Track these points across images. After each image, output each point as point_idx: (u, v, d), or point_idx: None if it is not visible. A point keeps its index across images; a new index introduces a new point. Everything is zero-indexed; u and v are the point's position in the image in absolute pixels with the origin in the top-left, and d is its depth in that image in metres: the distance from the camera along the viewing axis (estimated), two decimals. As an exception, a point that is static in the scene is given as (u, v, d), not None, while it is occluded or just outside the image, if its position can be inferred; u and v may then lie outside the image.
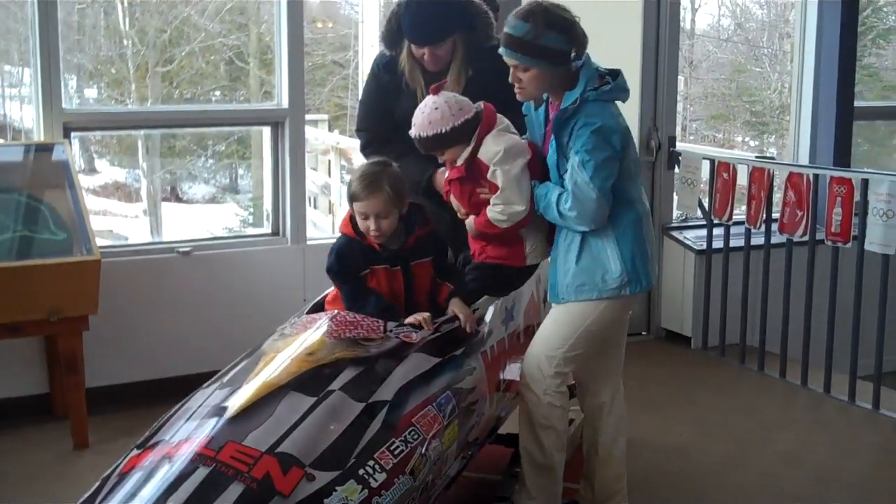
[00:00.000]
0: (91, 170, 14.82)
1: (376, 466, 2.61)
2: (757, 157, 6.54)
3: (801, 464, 4.48)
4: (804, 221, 5.40)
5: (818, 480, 4.32)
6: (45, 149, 4.77)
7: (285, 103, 5.27)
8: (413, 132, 3.40)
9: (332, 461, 2.54)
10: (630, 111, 6.15)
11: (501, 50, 3.35)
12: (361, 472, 2.57)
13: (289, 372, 2.80)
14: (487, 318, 3.49)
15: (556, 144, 3.38)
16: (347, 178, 8.26)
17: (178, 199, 14.19)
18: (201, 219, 12.43)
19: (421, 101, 3.46)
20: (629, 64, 6.19)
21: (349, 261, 3.35)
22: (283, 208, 5.35)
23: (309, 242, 5.40)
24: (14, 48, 7.75)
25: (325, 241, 5.58)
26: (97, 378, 4.70)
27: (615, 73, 3.41)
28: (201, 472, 2.38)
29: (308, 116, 7.05)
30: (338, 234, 3.49)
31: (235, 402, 2.66)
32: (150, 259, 5.06)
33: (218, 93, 15.60)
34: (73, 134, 4.94)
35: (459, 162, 3.38)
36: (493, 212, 3.36)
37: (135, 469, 2.49)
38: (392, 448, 2.69)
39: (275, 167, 5.35)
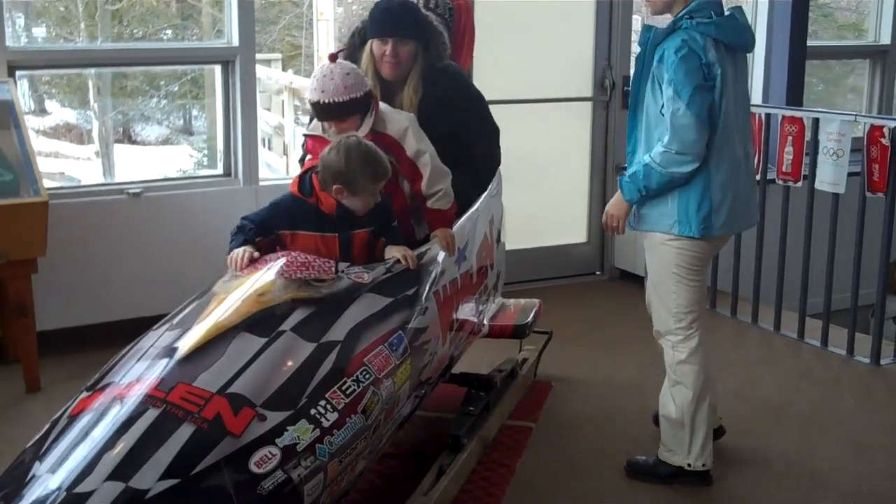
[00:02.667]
0: (41, 111, 14.52)
1: (328, 406, 2.61)
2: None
3: (749, 399, 4.56)
4: (756, 160, 5.43)
5: (767, 414, 4.40)
6: (-11, 87, 4.66)
7: (235, 41, 5.19)
8: (320, 97, 3.40)
9: (284, 401, 2.53)
10: (583, 49, 6.20)
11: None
12: (313, 411, 2.56)
13: (240, 313, 2.78)
14: (439, 258, 3.48)
15: (639, 69, 3.53)
16: (303, 118, 8.17)
17: (132, 141, 13.98)
18: (155, 160, 12.27)
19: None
20: (583, 4, 6.18)
21: (277, 216, 3.29)
22: (234, 149, 5.30)
23: (262, 183, 5.35)
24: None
25: (279, 182, 5.58)
26: (48, 321, 4.67)
27: (728, 14, 3.49)
28: (151, 414, 2.36)
29: (260, 56, 6.97)
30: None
31: (185, 343, 2.63)
32: (100, 201, 5.01)
33: (169, 32, 15.33)
34: (18, 73, 4.83)
35: (365, 130, 3.42)
36: (443, 202, 3.56)
37: (84, 411, 2.47)
38: (344, 388, 2.68)
39: (226, 107, 5.28)
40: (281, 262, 3.06)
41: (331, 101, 3.40)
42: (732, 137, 3.50)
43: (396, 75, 3.83)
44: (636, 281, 6.26)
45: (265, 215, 3.31)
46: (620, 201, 3.64)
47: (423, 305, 3.22)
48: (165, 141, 14.00)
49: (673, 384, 3.69)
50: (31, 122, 14.63)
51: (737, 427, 4.13)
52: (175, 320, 2.84)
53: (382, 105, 3.60)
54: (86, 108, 13.48)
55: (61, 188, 5.10)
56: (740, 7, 3.63)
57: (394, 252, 3.29)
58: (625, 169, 3.68)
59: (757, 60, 6.78)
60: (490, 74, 5.85)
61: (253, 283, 2.96)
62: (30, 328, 4.41)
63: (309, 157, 3.73)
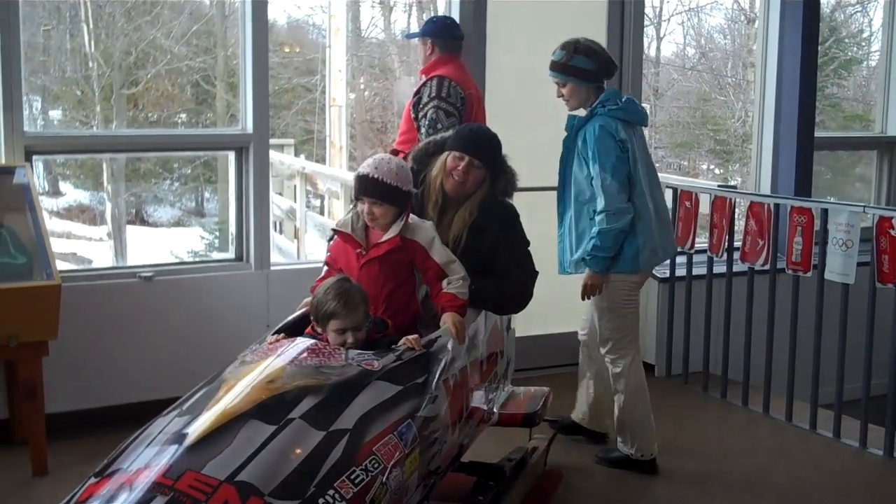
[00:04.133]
0: (55, 192, 14.73)
1: (336, 496, 2.59)
2: (719, 186, 6.59)
3: (761, 490, 4.50)
4: (765, 250, 5.46)
5: (778, 508, 4.35)
6: (6, 172, 4.73)
7: (250, 128, 5.26)
8: (371, 172, 3.54)
9: (292, 490, 2.52)
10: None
11: (549, 73, 4.56)
12: (321, 501, 2.55)
13: (249, 400, 2.79)
14: (449, 346, 3.48)
15: (565, 151, 4.57)
16: (314, 202, 8.28)
17: (144, 223, 14.11)
18: (166, 242, 12.36)
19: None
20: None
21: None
22: (246, 234, 5.34)
23: (273, 268, 5.38)
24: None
25: (290, 268, 5.61)
26: (57, 404, 4.65)
27: (627, 99, 4.54)
28: (159, 501, 2.36)
29: (274, 141, 7.07)
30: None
31: (195, 430, 2.63)
32: (111, 284, 5.03)
33: (184, 115, 15.60)
34: (34, 157, 4.91)
35: (394, 232, 3.56)
36: (459, 288, 3.64)
37: (91, 498, 2.47)
38: (352, 477, 2.67)
39: (239, 192, 5.33)
40: (292, 347, 3.08)
41: (379, 178, 3.52)
42: (644, 190, 4.45)
43: (458, 193, 3.95)
44: (647, 370, 6.21)
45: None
46: (593, 275, 4.48)
47: (432, 394, 3.21)
48: (177, 223, 14.14)
49: (615, 392, 4.62)
50: (45, 203, 14.77)
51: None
52: (185, 406, 2.85)
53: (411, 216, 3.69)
54: (99, 189, 13.64)
55: (74, 271, 5.14)
56: (630, 96, 4.83)
57: (402, 340, 3.31)
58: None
59: (765, 151, 6.83)
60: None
61: (262, 369, 2.97)
62: (39, 411, 4.40)
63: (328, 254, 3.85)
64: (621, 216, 4.35)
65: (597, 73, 4.50)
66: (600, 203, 4.36)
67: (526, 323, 6.07)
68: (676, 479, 4.60)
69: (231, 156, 5.37)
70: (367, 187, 3.55)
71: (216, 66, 14.78)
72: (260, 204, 5.31)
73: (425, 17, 7.25)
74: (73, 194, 14.87)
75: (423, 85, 5.11)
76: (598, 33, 6.22)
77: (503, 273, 3.94)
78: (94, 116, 12.73)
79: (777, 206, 5.46)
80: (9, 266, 4.37)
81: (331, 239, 3.87)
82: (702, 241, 5.95)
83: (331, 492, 2.59)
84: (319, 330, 3.35)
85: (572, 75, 4.49)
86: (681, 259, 6.03)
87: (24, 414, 4.47)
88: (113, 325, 4.94)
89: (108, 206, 12.44)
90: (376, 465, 2.77)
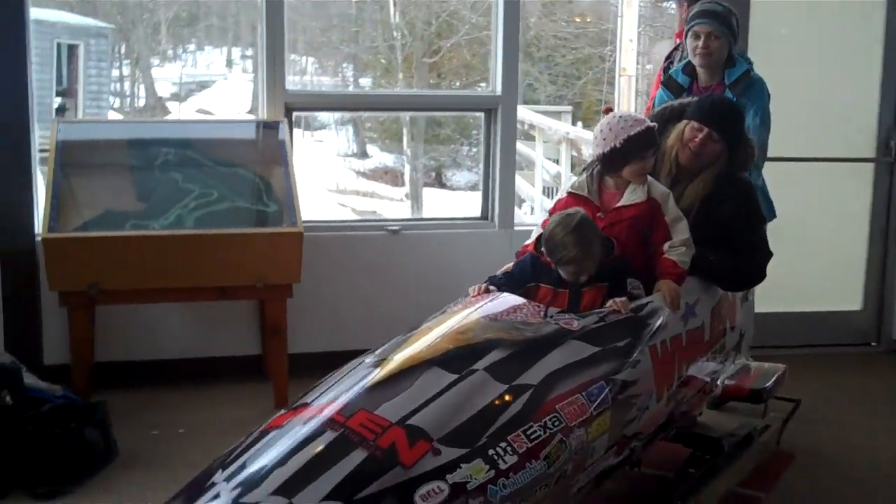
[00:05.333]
0: (362, 154, 15.54)
1: (508, 448, 2.58)
2: None
3: None
4: None
5: None
6: (269, 127, 5.03)
7: (499, 90, 5.30)
8: (608, 145, 3.49)
9: (463, 438, 2.53)
10: (868, 108, 5.83)
11: (702, 20, 4.30)
12: (491, 451, 2.54)
13: (436, 348, 2.83)
14: (661, 312, 3.37)
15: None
16: (577, 170, 8.22)
17: (442, 185, 14.58)
18: (460, 204, 12.73)
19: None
20: (870, 56, 5.83)
21: (521, 272, 3.43)
22: (492, 193, 5.40)
23: (516, 228, 5.41)
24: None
25: (533, 228, 5.61)
26: (302, 344, 4.92)
27: None
28: (329, 436, 2.44)
29: (552, 108, 7.05)
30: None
31: (378, 373, 2.71)
32: (360, 235, 5.24)
33: (483, 84, 15.90)
34: (294, 113, 5.18)
35: (640, 195, 3.51)
36: (681, 255, 3.51)
37: (273, 428, 2.60)
38: (528, 431, 2.65)
39: (486, 153, 5.40)
40: (491, 301, 3.10)
41: (611, 147, 3.47)
42: None
43: (693, 164, 3.83)
44: (916, 356, 5.81)
45: (512, 270, 3.49)
46: None
47: (634, 358, 3.13)
48: (474, 186, 14.51)
49: None
50: (354, 164, 15.61)
51: None
52: (378, 350, 2.93)
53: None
54: (400, 153, 14.27)
55: (322, 221, 5.34)
56: None
57: (609, 302, 3.25)
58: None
59: None
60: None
61: (458, 320, 3.01)
62: (282, 349, 4.67)
63: None
64: None
65: (737, 37, 4.42)
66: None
67: (784, 298, 5.85)
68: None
69: (482, 117, 5.44)
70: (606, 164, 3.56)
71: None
72: (505, 163, 5.35)
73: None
74: (378, 157, 15.62)
75: (675, 48, 4.95)
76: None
77: (738, 250, 3.78)
78: (397, 84, 13.29)
79: None
80: (262, 213, 4.66)
81: (557, 201, 3.83)
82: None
83: (503, 444, 2.58)
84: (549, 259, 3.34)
85: (729, 31, 4.33)
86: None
87: (269, 351, 4.75)
88: (359, 274, 5.16)
89: (407, 168, 12.97)
90: (557, 423, 2.73)
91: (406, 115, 11.36)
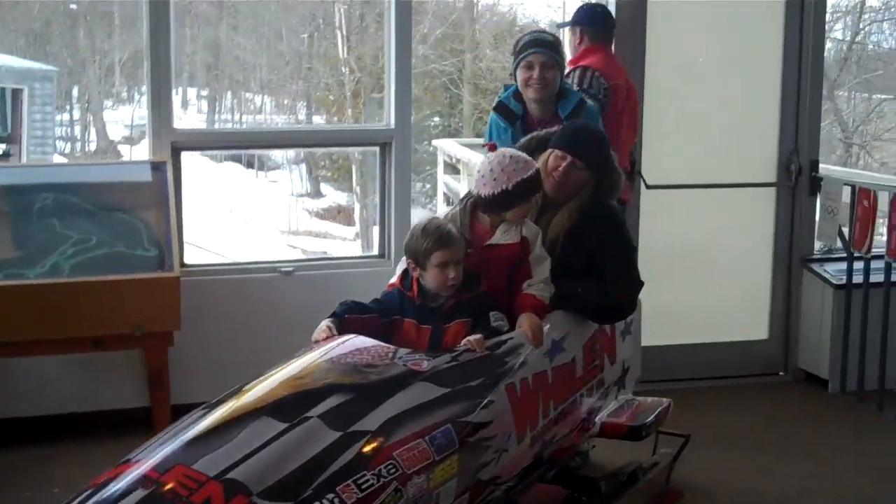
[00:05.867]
0: (316, 194, 15.45)
1: (336, 500, 2.49)
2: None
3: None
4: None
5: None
6: (156, 168, 4.93)
7: (392, 124, 5.26)
8: (498, 187, 3.42)
9: (286, 492, 2.44)
10: (768, 132, 5.84)
11: (536, 49, 4.19)
12: (316, 504, 2.46)
13: (269, 395, 2.74)
14: (522, 349, 3.30)
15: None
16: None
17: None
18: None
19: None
20: (768, 79, 5.84)
21: (384, 306, 3.37)
22: (388, 229, 5.32)
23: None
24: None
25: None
26: (186, 394, 4.76)
27: None
28: (138, 494, 2.35)
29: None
30: None
31: (202, 424, 2.61)
32: (252, 278, 5.14)
33: (437, 119, 15.92)
34: (183, 153, 5.09)
35: (514, 235, 3.48)
36: (540, 290, 3.47)
37: (100, 483, 2.49)
38: (360, 481, 2.56)
39: (381, 188, 5.34)
40: (337, 344, 3.01)
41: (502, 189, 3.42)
42: None
43: (558, 194, 3.75)
44: (822, 385, 5.77)
45: (366, 303, 3.39)
46: None
47: (487, 399, 3.05)
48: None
49: None
50: (308, 205, 15.65)
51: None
52: (213, 400, 2.83)
53: None
54: (350, 190, 14.19)
55: (214, 265, 5.26)
56: None
57: (464, 340, 3.18)
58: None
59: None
60: (665, 157, 5.66)
61: (299, 365, 2.92)
62: (165, 399, 4.56)
63: None
64: None
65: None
66: None
67: (686, 329, 5.81)
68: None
69: (375, 151, 5.38)
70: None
71: (464, 68, 15.00)
72: (402, 199, 5.28)
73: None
74: (332, 195, 15.55)
75: (567, 76, 4.92)
76: (773, 18, 5.83)
77: (607, 281, 3.71)
78: (346, 120, 13.26)
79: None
80: (141, 258, 4.55)
81: None
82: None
83: (330, 495, 2.49)
84: (418, 275, 3.31)
85: (561, 60, 4.33)
86: (858, 265, 5.53)
87: (153, 401, 4.63)
88: (249, 319, 5.02)
89: (357, 206, 12.90)
90: (393, 471, 2.64)
91: (356, 152, 11.29)
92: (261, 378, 2.91)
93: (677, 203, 5.74)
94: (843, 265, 5.64)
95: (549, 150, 3.78)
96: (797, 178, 5.86)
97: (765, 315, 6.03)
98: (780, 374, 6.03)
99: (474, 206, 3.55)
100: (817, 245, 6.00)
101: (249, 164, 15.37)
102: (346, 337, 3.12)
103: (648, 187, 5.56)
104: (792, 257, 5.95)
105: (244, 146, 5.69)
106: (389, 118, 5.28)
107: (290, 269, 5.17)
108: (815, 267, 5.86)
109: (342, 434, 2.65)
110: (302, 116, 14.26)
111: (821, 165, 5.95)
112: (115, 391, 4.93)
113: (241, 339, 5.01)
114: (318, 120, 14.41)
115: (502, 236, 3.49)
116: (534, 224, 3.60)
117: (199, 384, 4.84)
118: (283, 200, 14.48)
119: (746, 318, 6.06)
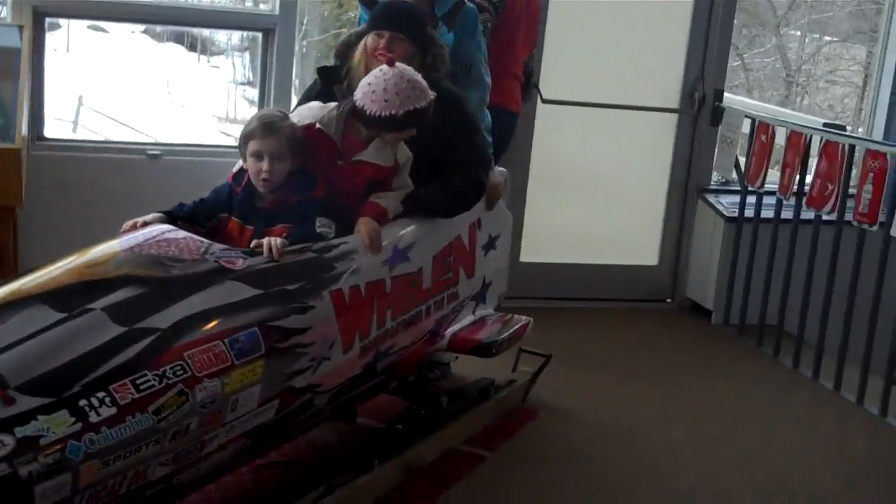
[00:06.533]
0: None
1: (107, 399, 2.29)
2: (825, 124, 5.77)
3: (753, 466, 3.94)
4: (834, 197, 4.78)
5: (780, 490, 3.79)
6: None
7: (277, 10, 4.97)
8: (386, 110, 3.18)
9: (48, 387, 2.23)
10: (675, 56, 5.64)
11: None
12: (83, 402, 2.25)
13: (52, 282, 2.51)
14: (354, 255, 3.09)
15: None
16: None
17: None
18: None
19: None
20: (680, 5, 5.62)
21: (216, 201, 3.16)
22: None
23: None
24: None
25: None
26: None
27: None
28: None
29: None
30: None
31: (-33, 308, 2.38)
32: (117, 158, 4.87)
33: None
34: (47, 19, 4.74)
35: (388, 158, 3.30)
36: (385, 199, 3.30)
37: None
38: (138, 381, 2.35)
39: (262, 77, 5.07)
40: (143, 233, 2.79)
41: (392, 112, 3.20)
42: None
43: None
44: (706, 316, 5.69)
45: (207, 197, 3.19)
46: None
47: (304, 304, 2.85)
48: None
49: None
50: (249, 93, 15.04)
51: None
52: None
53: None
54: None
55: (79, 141, 4.98)
56: None
57: (254, 242, 2.94)
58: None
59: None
60: (565, 72, 5.45)
61: (95, 252, 2.69)
62: (9, 275, 4.27)
63: None
64: None
65: None
66: None
67: (575, 249, 5.68)
68: (674, 437, 4.12)
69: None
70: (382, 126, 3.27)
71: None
72: (282, 90, 4.99)
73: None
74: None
75: None
76: None
77: (450, 168, 3.52)
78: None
79: (852, 147, 4.75)
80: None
81: None
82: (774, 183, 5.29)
83: (101, 393, 2.28)
84: (245, 166, 3.10)
85: None
86: (751, 199, 5.40)
87: (-5, 278, 4.36)
88: (108, 200, 4.67)
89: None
90: (180, 373, 2.44)
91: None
92: (50, 263, 2.67)
93: (574, 121, 5.54)
94: (737, 198, 5.51)
95: (367, 35, 3.56)
96: (700, 107, 5.69)
97: (656, 242, 5.91)
98: (668, 301, 5.94)
99: (352, 113, 3.30)
100: (714, 176, 5.86)
101: (192, 48, 14.84)
102: (157, 227, 2.88)
103: (544, 101, 5.35)
104: (688, 186, 5.81)
105: (113, 17, 5.28)
106: (275, 2, 4.97)
107: (158, 152, 4.89)
108: (710, 198, 5.73)
109: (127, 330, 2.43)
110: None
111: (727, 99, 5.78)
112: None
113: (97, 221, 4.67)
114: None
115: (375, 154, 3.27)
116: (406, 148, 3.38)
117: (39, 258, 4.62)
118: (223, 87, 14.03)
119: (637, 244, 5.94)
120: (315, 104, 3.39)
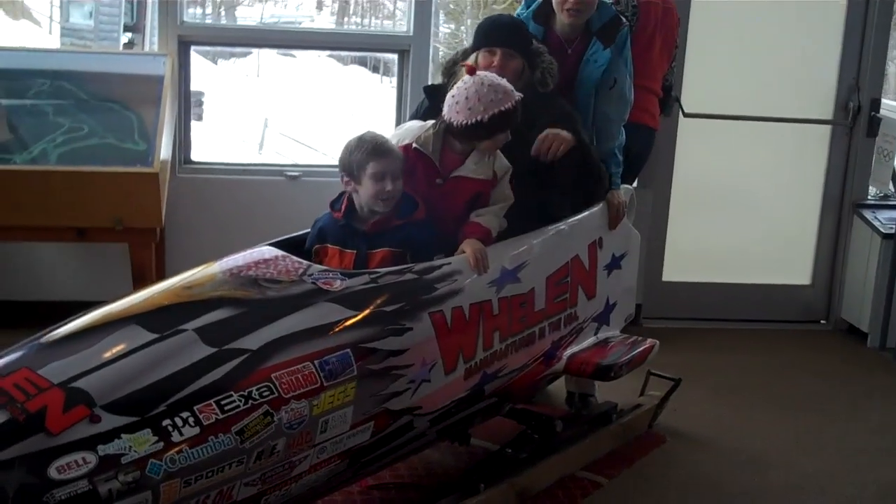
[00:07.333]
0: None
1: (190, 419, 2.33)
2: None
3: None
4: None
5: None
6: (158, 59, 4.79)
7: (411, 30, 5.02)
8: (472, 117, 3.15)
9: (134, 406, 2.29)
10: (827, 64, 5.39)
11: None
12: (166, 422, 2.30)
13: (147, 303, 2.58)
14: (457, 275, 3.06)
15: None
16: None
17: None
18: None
19: None
20: (832, 6, 5.37)
21: (318, 232, 3.20)
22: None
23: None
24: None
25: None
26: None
27: None
28: (-31, 394, 2.23)
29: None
30: None
31: (66, 328, 2.47)
32: (256, 180, 5.02)
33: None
34: (192, 47, 4.94)
35: (486, 172, 3.26)
36: (486, 219, 3.25)
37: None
38: (223, 402, 2.39)
39: (399, 97, 5.11)
40: (243, 256, 2.84)
41: (477, 120, 3.16)
42: None
43: None
44: (862, 338, 5.39)
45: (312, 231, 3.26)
46: None
47: (400, 325, 2.84)
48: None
49: None
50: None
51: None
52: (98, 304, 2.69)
53: None
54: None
55: (219, 164, 5.12)
56: None
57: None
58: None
59: None
60: (708, 84, 5.31)
61: (193, 273, 2.75)
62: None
63: None
64: None
65: None
66: None
67: (723, 269, 5.48)
68: (810, 468, 3.90)
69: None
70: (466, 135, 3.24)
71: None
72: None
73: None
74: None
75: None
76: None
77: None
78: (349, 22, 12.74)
79: None
80: (130, 151, 4.42)
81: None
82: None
83: (185, 413, 2.33)
84: (352, 190, 3.12)
85: None
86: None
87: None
88: (249, 221, 4.87)
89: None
90: (266, 394, 2.47)
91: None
92: (152, 285, 2.75)
93: (719, 135, 5.37)
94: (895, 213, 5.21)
95: (474, 53, 3.53)
96: (855, 118, 5.41)
97: (809, 260, 5.66)
98: (822, 322, 5.66)
99: (447, 130, 3.29)
100: (871, 190, 5.56)
101: (375, 69, 15.17)
102: (258, 249, 2.94)
103: (686, 115, 5.20)
104: (843, 201, 5.53)
105: (253, 43, 5.47)
106: (409, 23, 5.02)
107: (297, 174, 5.00)
108: (866, 213, 5.43)
109: (216, 350, 2.47)
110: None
111: (882, 105, 5.47)
112: (109, 284, 4.88)
113: (236, 242, 4.86)
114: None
115: (474, 167, 3.25)
116: (505, 159, 3.34)
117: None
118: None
119: (789, 262, 5.70)
120: (414, 124, 3.39)
